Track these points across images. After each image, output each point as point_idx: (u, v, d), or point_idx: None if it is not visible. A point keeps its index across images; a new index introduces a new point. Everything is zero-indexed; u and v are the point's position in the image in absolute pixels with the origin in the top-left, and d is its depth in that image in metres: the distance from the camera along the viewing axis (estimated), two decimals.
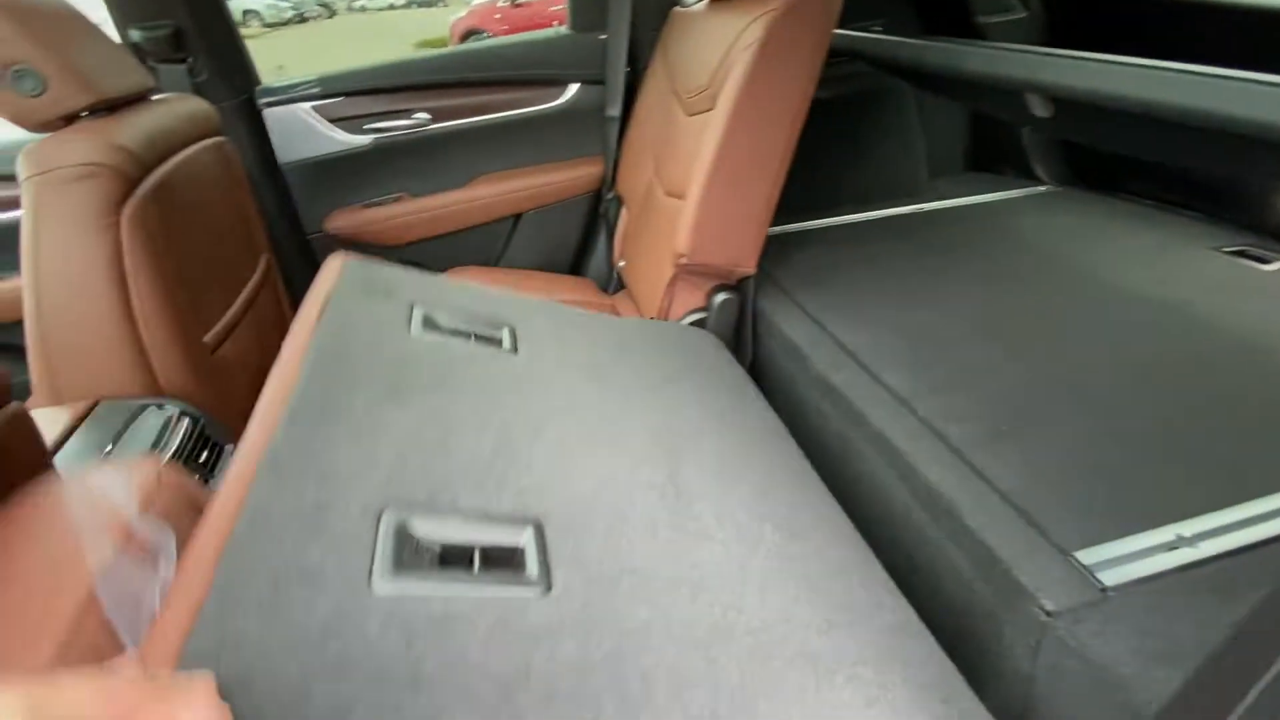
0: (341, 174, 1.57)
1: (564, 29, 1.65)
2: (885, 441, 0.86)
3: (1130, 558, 0.67)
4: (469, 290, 0.95)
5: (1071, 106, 0.89)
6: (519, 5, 7.96)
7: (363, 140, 1.57)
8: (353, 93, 1.57)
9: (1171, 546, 0.68)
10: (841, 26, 1.46)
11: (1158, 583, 0.64)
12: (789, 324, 1.16)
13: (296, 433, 0.57)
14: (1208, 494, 0.74)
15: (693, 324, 1.22)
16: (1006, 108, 1.00)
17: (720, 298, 1.20)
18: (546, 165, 1.68)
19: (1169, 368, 0.95)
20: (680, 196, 1.19)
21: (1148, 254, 1.29)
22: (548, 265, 1.76)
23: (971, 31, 1.57)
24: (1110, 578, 0.65)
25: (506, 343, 0.85)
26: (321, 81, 1.55)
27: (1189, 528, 0.70)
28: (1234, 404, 0.87)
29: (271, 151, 1.52)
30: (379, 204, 1.60)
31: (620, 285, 1.63)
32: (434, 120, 1.60)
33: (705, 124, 1.12)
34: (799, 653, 0.53)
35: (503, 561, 0.54)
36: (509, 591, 0.50)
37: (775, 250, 1.41)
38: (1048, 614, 0.62)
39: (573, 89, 1.64)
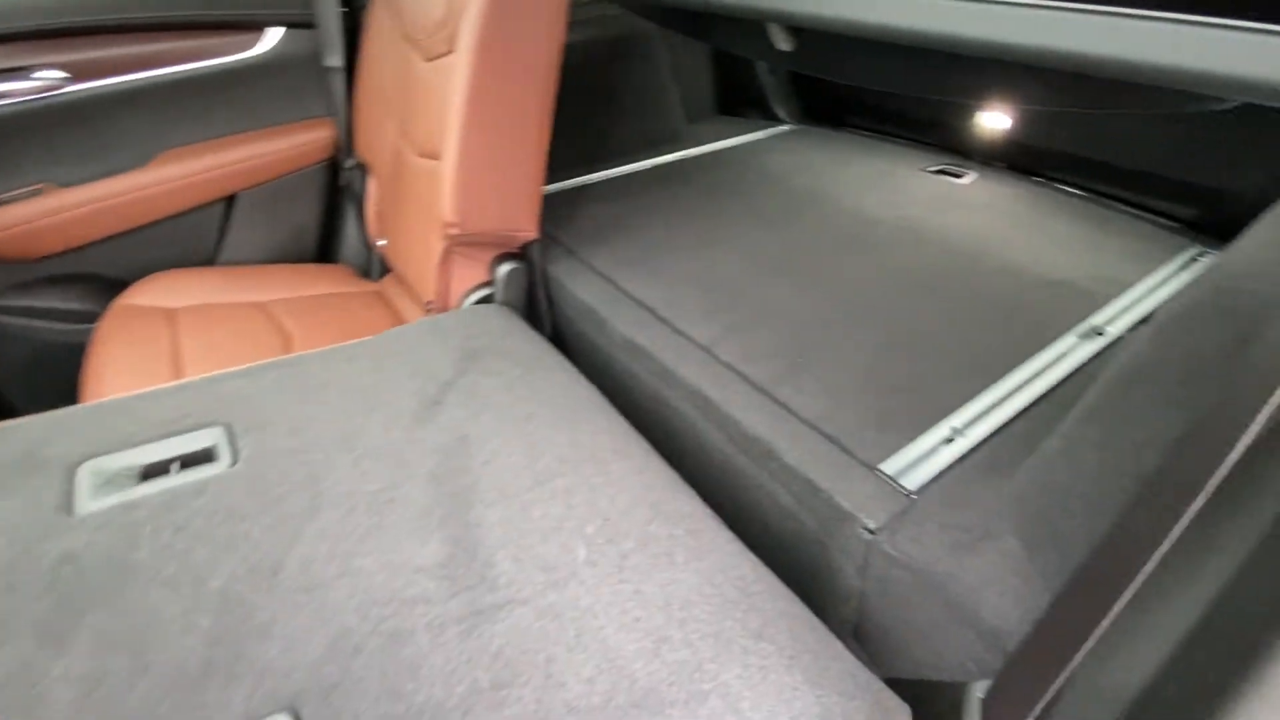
0: None
1: None
2: (698, 394, 0.84)
3: (922, 459, 0.73)
4: (163, 396, 0.73)
5: (810, 39, 0.92)
6: None
7: None
8: None
9: (949, 439, 0.76)
10: None
11: (946, 477, 0.70)
12: (583, 287, 1.08)
13: None
14: (965, 384, 0.84)
15: (479, 301, 1.08)
16: (751, 42, 1.01)
17: (505, 268, 1.07)
18: (261, 132, 1.36)
19: (912, 277, 1.07)
20: (435, 157, 1.02)
21: (876, 179, 1.45)
22: (286, 255, 1.45)
23: None
24: (912, 481, 0.70)
25: (223, 454, 0.66)
26: None
27: (959, 418, 0.78)
28: (965, 300, 1.01)
29: None
30: (3, 202, 1.16)
31: (385, 268, 1.41)
32: (74, 80, 1.19)
33: (448, 70, 0.96)
34: (627, 702, 0.47)
35: None
36: None
37: (553, 210, 1.32)
38: (870, 532, 0.65)
39: (275, 34, 1.33)
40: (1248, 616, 0.32)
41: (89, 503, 0.59)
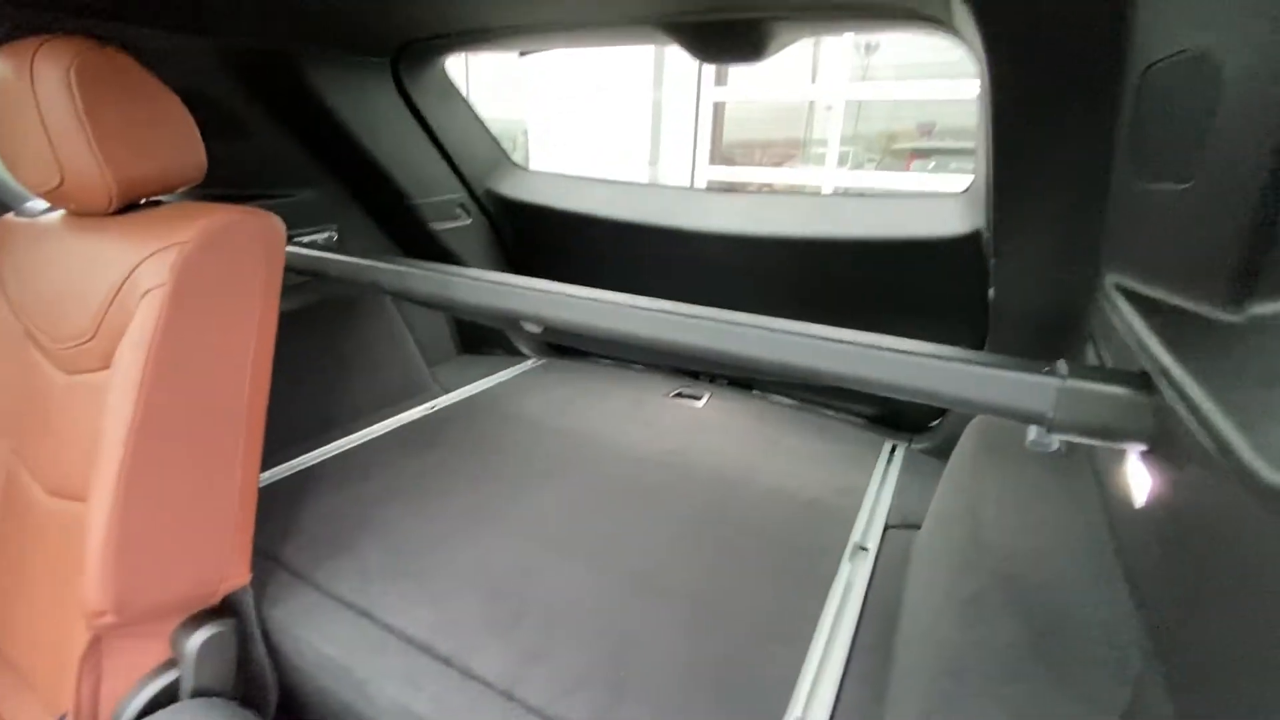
0: None
1: None
2: None
3: None
4: None
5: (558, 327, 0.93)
6: None
7: None
8: None
9: None
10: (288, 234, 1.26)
11: None
12: (322, 632, 0.82)
13: None
14: (783, 656, 0.80)
15: (154, 699, 0.74)
16: (499, 322, 0.99)
17: (198, 638, 0.76)
18: None
19: (691, 526, 1.06)
20: (78, 498, 0.73)
21: (628, 411, 1.51)
22: None
23: (428, 237, 1.61)
24: None
25: None
26: None
27: (796, 709, 0.73)
28: (745, 544, 1.03)
29: None
30: None
31: None
32: None
33: (99, 389, 0.72)
34: None
35: None
36: None
37: (271, 511, 1.05)
38: None
39: None
40: None
41: None
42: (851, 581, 0.94)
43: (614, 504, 1.13)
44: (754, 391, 1.70)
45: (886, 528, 1.09)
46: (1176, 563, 0.43)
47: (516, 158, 1.79)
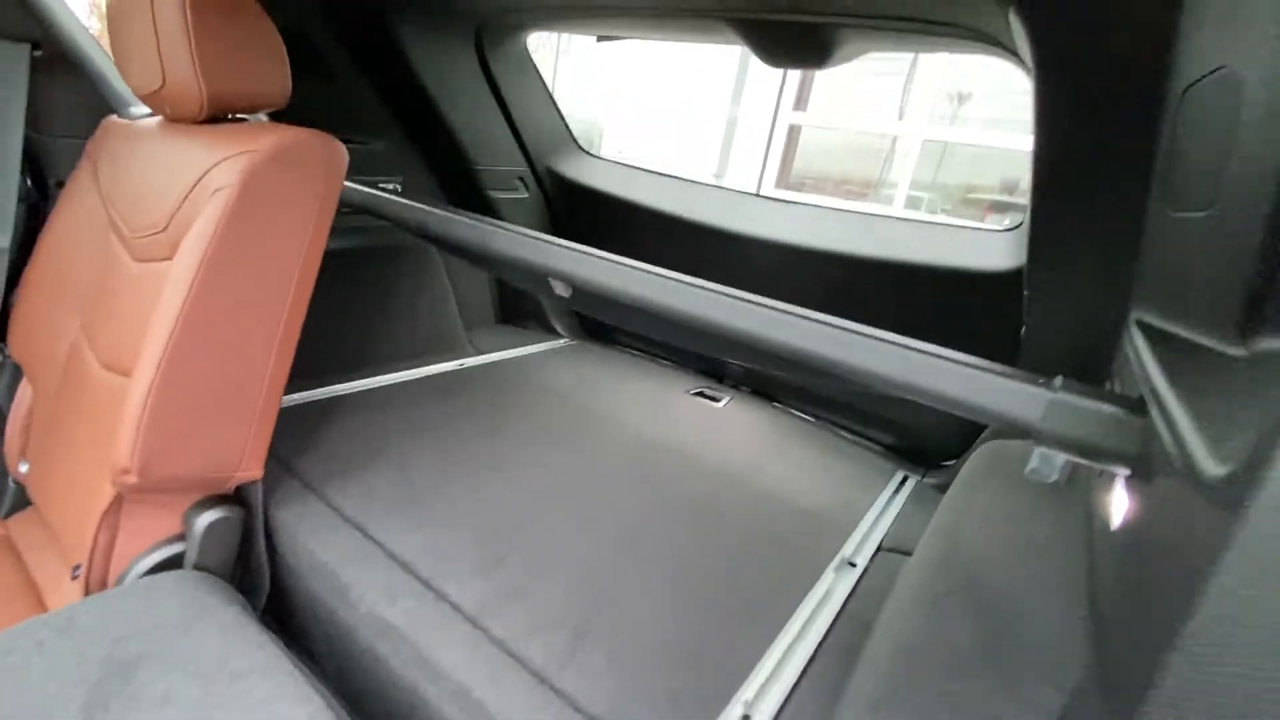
0: None
1: None
2: (464, 693, 0.68)
3: None
4: None
5: (587, 291, 0.96)
6: None
7: None
8: None
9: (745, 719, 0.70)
10: (354, 179, 1.34)
11: None
12: (320, 539, 0.87)
13: None
14: (749, 640, 0.81)
15: (159, 565, 0.80)
16: (531, 283, 1.03)
17: (206, 518, 0.83)
18: None
19: (689, 508, 1.08)
20: (125, 373, 0.80)
21: (648, 399, 1.53)
22: None
23: (485, 203, 1.68)
24: None
25: None
26: None
27: (749, 689, 0.73)
28: (737, 534, 1.03)
29: None
30: None
31: (24, 500, 1.02)
32: None
33: (162, 277, 0.79)
34: None
35: None
36: None
37: (294, 428, 1.12)
38: None
39: None
40: None
41: None
42: (832, 590, 0.94)
43: (618, 478, 1.15)
44: (775, 404, 1.70)
45: (880, 549, 1.08)
46: (1129, 578, 0.43)
47: None
